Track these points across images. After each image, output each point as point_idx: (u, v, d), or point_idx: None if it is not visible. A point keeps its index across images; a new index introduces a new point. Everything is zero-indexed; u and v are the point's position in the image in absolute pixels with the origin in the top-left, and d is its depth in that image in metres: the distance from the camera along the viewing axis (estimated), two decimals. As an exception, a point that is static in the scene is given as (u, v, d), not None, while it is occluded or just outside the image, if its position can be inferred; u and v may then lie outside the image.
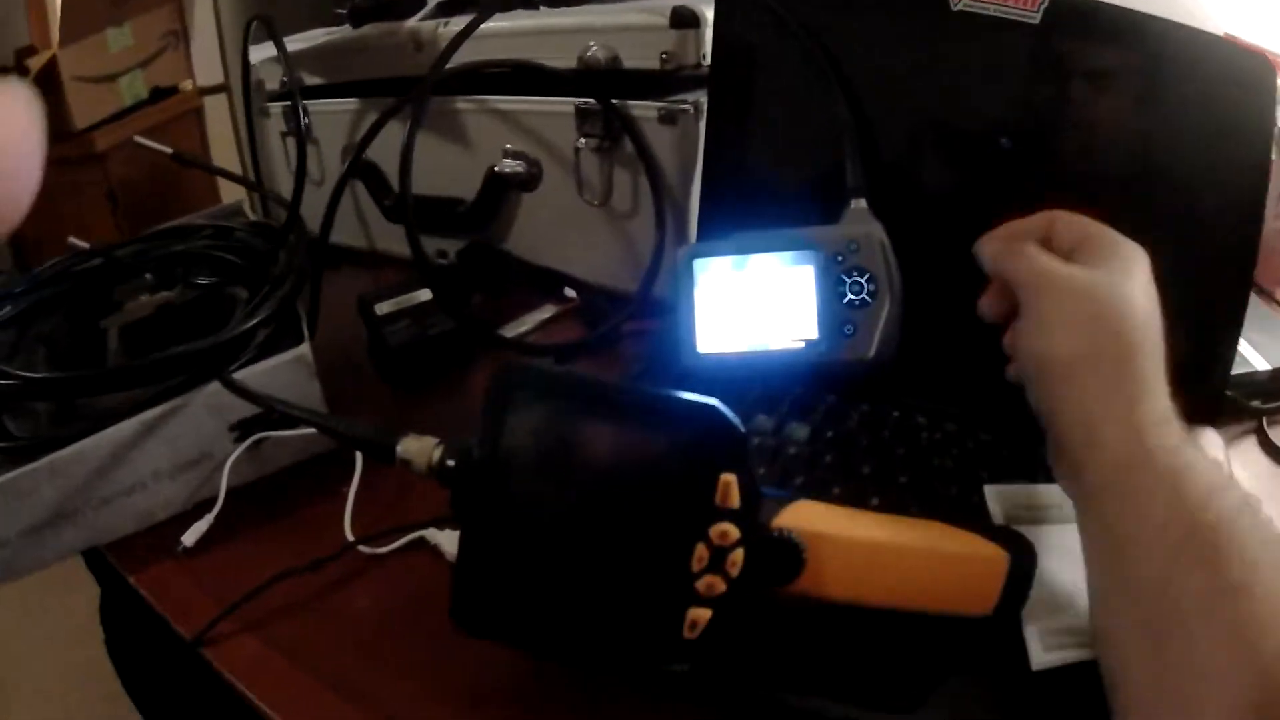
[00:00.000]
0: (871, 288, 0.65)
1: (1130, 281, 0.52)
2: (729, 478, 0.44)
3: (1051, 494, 0.61)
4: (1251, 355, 0.77)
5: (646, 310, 0.87)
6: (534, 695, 0.56)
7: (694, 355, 0.70)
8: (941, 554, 0.51)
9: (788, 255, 0.68)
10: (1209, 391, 0.70)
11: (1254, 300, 0.83)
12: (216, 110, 2.14)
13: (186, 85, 2.28)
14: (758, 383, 0.72)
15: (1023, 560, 0.51)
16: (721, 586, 0.45)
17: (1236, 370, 0.72)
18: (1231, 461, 0.66)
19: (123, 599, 0.83)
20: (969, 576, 0.51)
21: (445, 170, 0.97)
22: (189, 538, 0.67)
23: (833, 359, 0.66)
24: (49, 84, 1.95)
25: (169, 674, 0.84)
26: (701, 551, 0.45)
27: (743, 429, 0.45)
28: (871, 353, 0.65)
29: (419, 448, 0.50)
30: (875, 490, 0.63)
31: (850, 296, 0.66)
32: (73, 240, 0.85)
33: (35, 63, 1.98)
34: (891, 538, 0.50)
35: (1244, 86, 0.64)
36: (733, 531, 0.45)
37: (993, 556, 0.51)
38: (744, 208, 0.78)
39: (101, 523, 0.68)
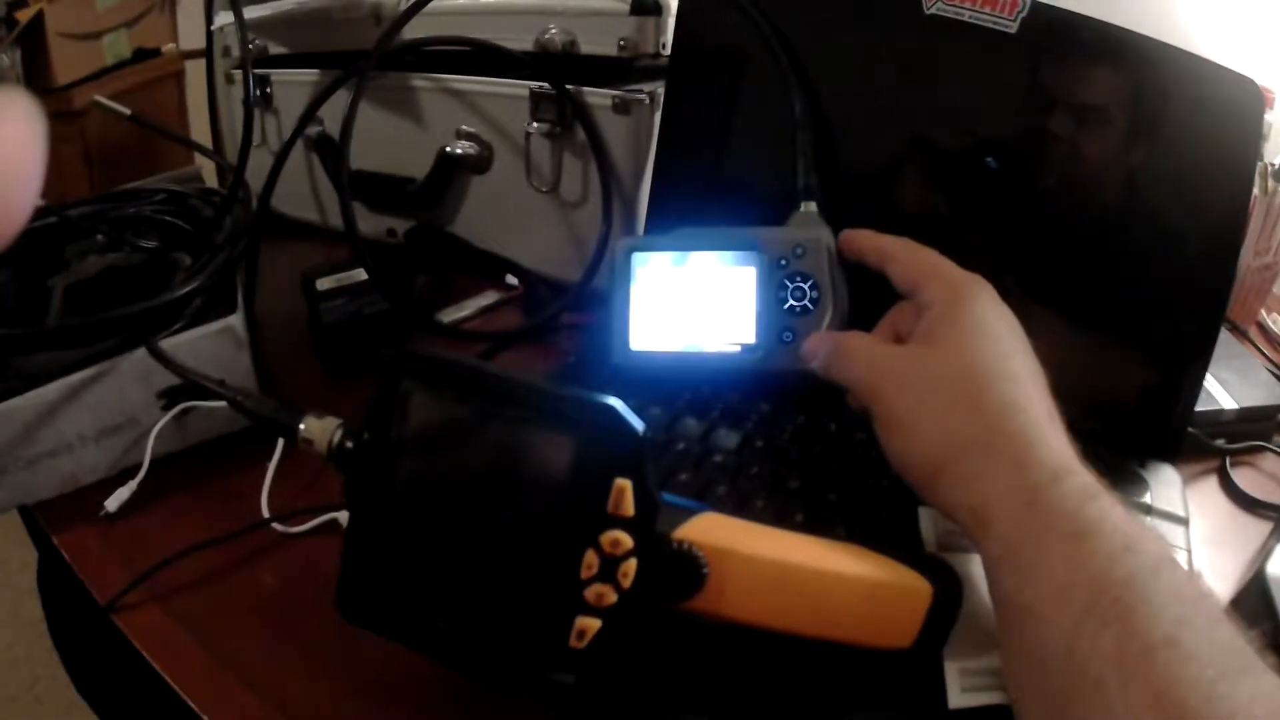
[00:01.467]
0: (814, 295, 0.63)
1: (980, 337, 0.50)
2: (623, 483, 0.42)
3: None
4: (1219, 393, 0.76)
5: (587, 302, 0.85)
6: (432, 688, 0.54)
7: (626, 352, 0.67)
8: (859, 581, 0.48)
9: (730, 255, 0.66)
10: (1171, 427, 0.68)
11: (1227, 338, 0.82)
12: (198, 75, 2.12)
13: (169, 48, 2.26)
14: (690, 385, 0.70)
15: (948, 593, 0.48)
16: (612, 597, 0.43)
17: (1202, 407, 0.71)
18: (1189, 501, 0.64)
19: (55, 563, 0.82)
20: (888, 607, 0.48)
21: (398, 148, 0.95)
22: (112, 503, 0.66)
23: (769, 366, 0.64)
24: (35, 38, 1.93)
25: (93, 639, 0.83)
26: (591, 559, 0.42)
27: (642, 432, 0.43)
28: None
29: (320, 428, 0.48)
30: (802, 507, 0.60)
31: (792, 302, 0.64)
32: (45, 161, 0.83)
33: (24, 15, 1.96)
34: (805, 560, 0.47)
35: (1229, 113, 0.62)
36: (625, 540, 0.42)
37: (915, 587, 0.48)
38: (694, 204, 0.76)
39: (27, 483, 0.67)
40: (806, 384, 0.63)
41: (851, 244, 0.62)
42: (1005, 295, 0.63)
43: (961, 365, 0.49)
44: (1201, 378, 0.67)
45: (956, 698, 0.50)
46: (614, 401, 0.43)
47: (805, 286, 0.64)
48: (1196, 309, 0.66)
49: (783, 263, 0.64)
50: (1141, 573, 0.40)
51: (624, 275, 0.68)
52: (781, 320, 0.64)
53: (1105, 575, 0.40)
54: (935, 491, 0.49)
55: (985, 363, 0.49)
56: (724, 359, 0.65)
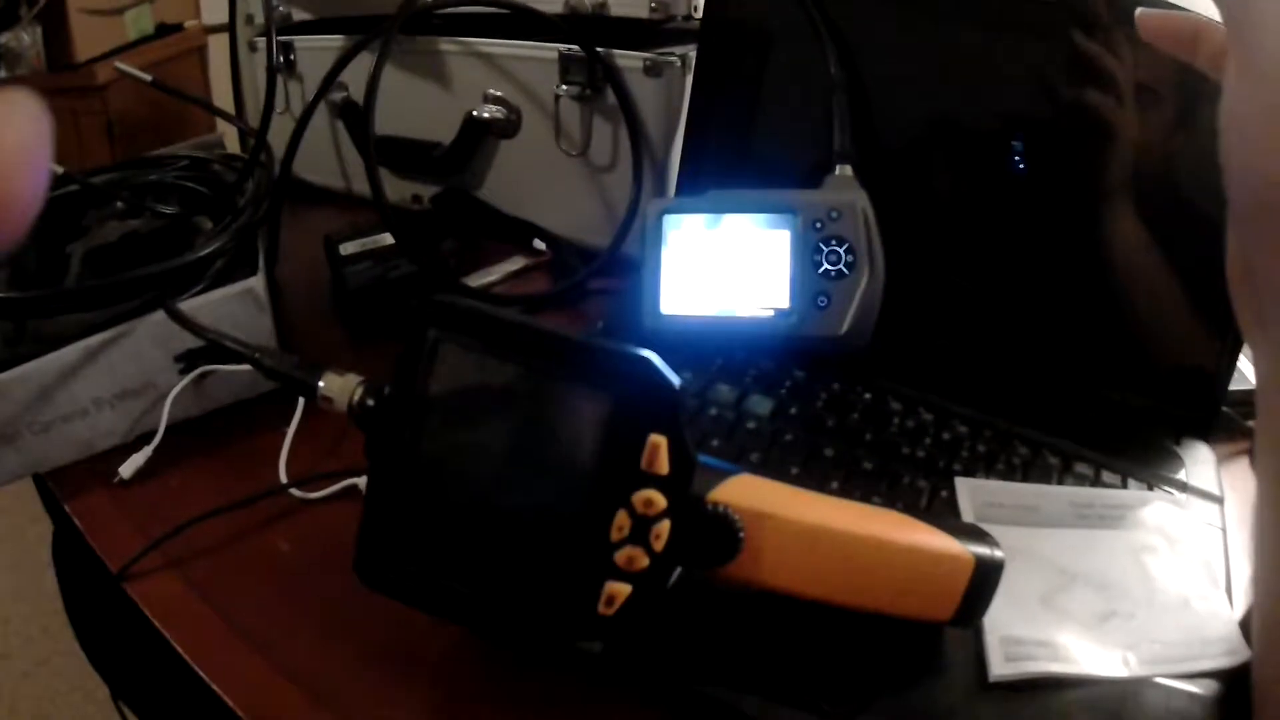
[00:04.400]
0: (850, 259, 0.62)
1: None
2: (658, 439, 0.40)
3: (1027, 494, 0.58)
4: (1253, 373, 0.73)
5: (617, 268, 0.84)
6: (450, 657, 0.53)
7: (657, 316, 0.66)
8: (899, 548, 0.45)
9: (763, 218, 0.64)
10: (1205, 406, 0.66)
11: None
12: (221, 49, 2.13)
13: (192, 23, 2.26)
14: (722, 350, 0.68)
15: (989, 563, 0.46)
16: (644, 561, 0.41)
17: (1236, 387, 0.69)
18: (1222, 480, 0.62)
19: (69, 533, 0.82)
20: (928, 576, 0.46)
21: (424, 113, 0.94)
22: (126, 469, 0.65)
23: (802, 332, 0.63)
24: (56, 14, 1.93)
25: (104, 607, 0.82)
26: (623, 520, 0.40)
27: (677, 386, 0.41)
28: (844, 328, 0.62)
29: (341, 385, 0.46)
30: (836, 474, 0.59)
31: (826, 266, 0.62)
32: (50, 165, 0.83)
33: (46, -8, 1.96)
34: (844, 525, 0.45)
35: None
36: (659, 500, 0.40)
37: (957, 556, 0.46)
38: (726, 168, 0.74)
39: (42, 449, 0.65)
40: (840, 350, 0.61)
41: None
42: (1041, 276, 0.62)
43: None
44: (1236, 355, 0.65)
45: (1000, 667, 0.48)
46: (649, 354, 0.41)
47: (840, 250, 0.62)
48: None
49: (818, 226, 0.63)
50: None
51: (655, 238, 0.67)
52: (816, 284, 0.62)
53: None
54: None
55: None
56: (757, 324, 0.64)
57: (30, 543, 1.97)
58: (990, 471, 0.60)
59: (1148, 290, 0.66)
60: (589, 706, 0.50)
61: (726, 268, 0.65)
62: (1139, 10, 0.49)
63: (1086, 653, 0.49)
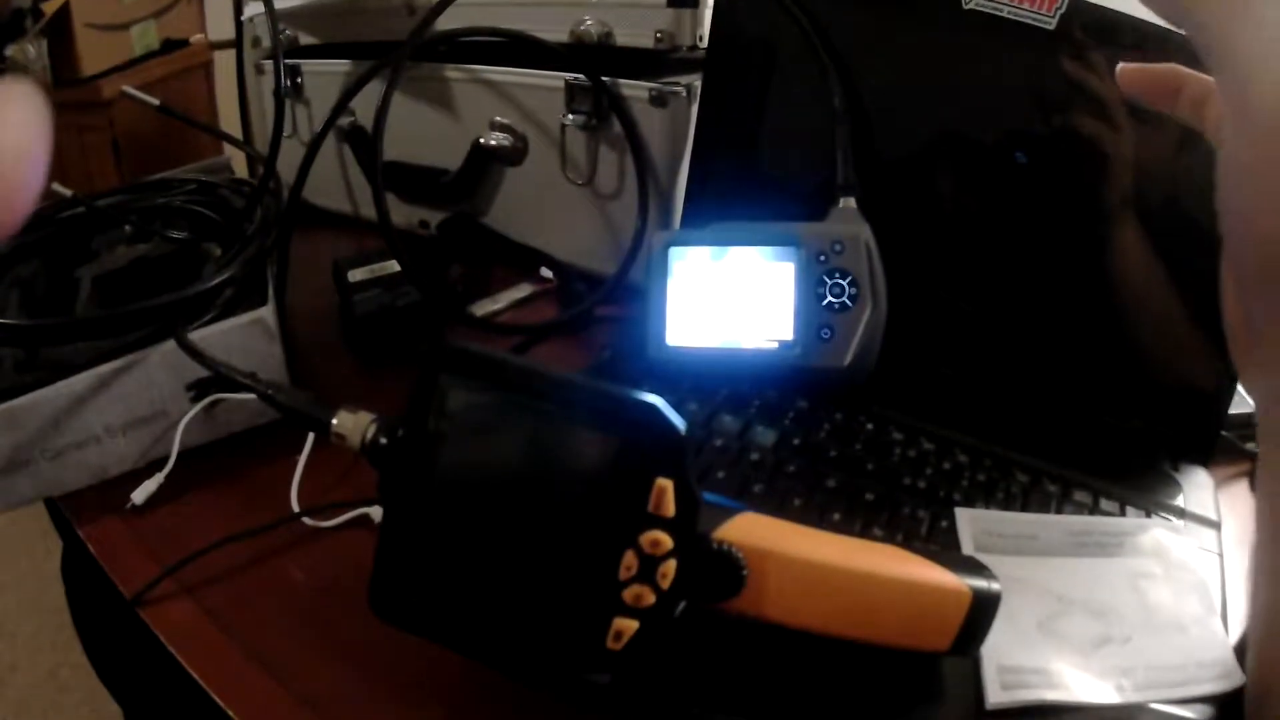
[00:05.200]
0: (853, 291, 0.63)
1: None
2: (664, 483, 0.41)
3: (1026, 523, 0.59)
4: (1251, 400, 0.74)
5: (622, 296, 0.84)
6: (463, 687, 0.54)
7: (662, 347, 0.67)
8: (897, 583, 0.47)
9: (769, 250, 0.65)
10: (1204, 429, 0.67)
11: None
12: (227, 65, 2.13)
13: (198, 38, 2.26)
14: (727, 381, 0.69)
15: (986, 596, 0.47)
16: (650, 598, 0.42)
17: (1235, 410, 0.70)
18: (1220, 504, 0.63)
19: (80, 554, 0.82)
20: (925, 610, 0.47)
21: (431, 139, 0.94)
22: (139, 495, 0.66)
23: (806, 363, 0.64)
24: (61, 29, 1.93)
25: (118, 631, 0.83)
26: (630, 560, 0.42)
27: (684, 431, 0.42)
28: (847, 360, 0.63)
29: (354, 423, 0.47)
30: (838, 505, 0.59)
31: (830, 299, 0.63)
32: (56, 186, 0.84)
33: (49, 6, 1.96)
34: (844, 561, 0.46)
35: None
36: (665, 541, 0.42)
37: (954, 589, 0.47)
38: (731, 198, 0.75)
39: (54, 474, 0.66)
40: (843, 381, 0.62)
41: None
42: (1042, 299, 0.62)
43: None
44: (1235, 381, 0.66)
45: (996, 695, 0.49)
46: (656, 400, 0.42)
47: (844, 283, 0.63)
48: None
49: (821, 258, 0.64)
50: None
51: (660, 269, 0.68)
52: (819, 316, 0.63)
53: None
54: None
55: None
56: (761, 355, 0.65)
57: (38, 558, 1.98)
58: (990, 500, 0.61)
59: (1148, 313, 0.67)
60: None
61: (731, 299, 0.66)
62: (1120, 65, 0.50)
63: (1082, 680, 0.50)
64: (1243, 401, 0.71)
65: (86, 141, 1.96)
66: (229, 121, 1.01)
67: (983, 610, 0.47)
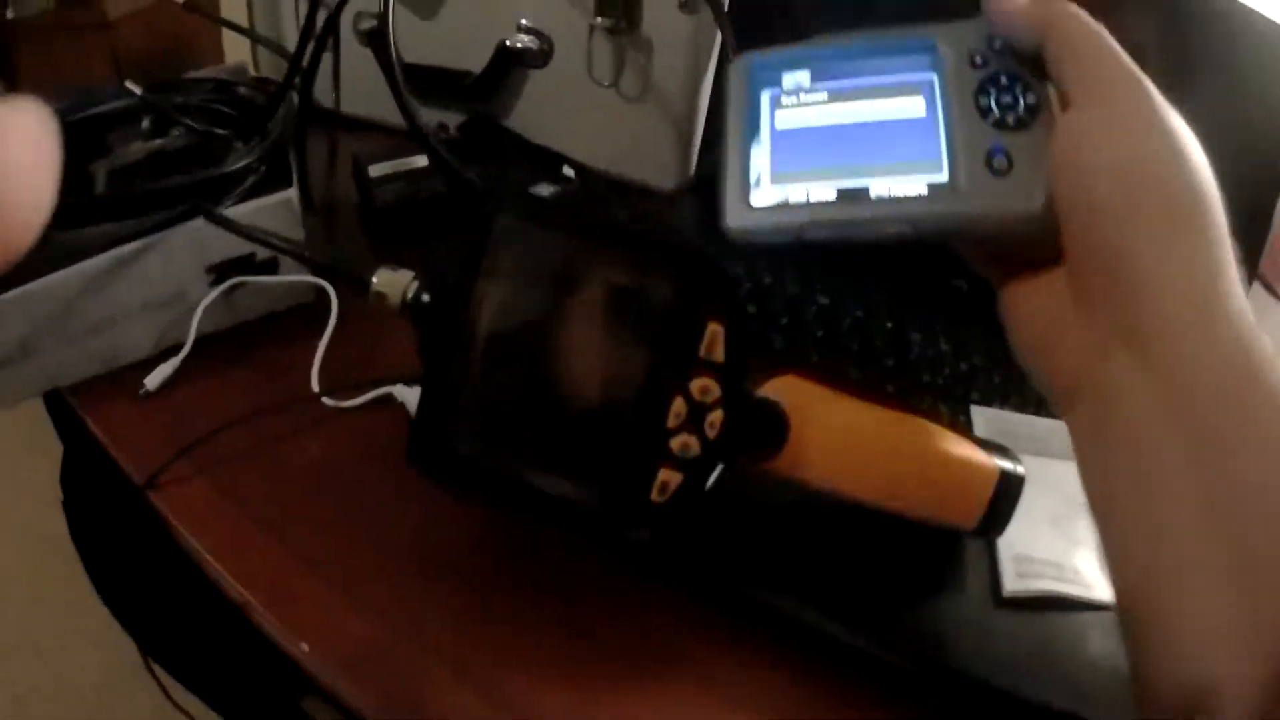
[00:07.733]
0: (1030, 100, 0.42)
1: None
2: (716, 327, 0.41)
3: (1038, 426, 0.60)
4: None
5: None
6: (480, 558, 0.54)
7: (743, 213, 0.45)
8: (932, 451, 0.47)
9: (895, 61, 0.46)
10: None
11: (1258, 292, 0.81)
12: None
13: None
14: (848, 253, 0.47)
15: (1012, 476, 0.48)
16: (696, 448, 0.42)
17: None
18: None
19: (82, 455, 0.80)
20: (956, 483, 0.48)
21: (454, 41, 0.93)
22: (152, 380, 0.65)
23: (975, 210, 0.42)
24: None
25: (118, 530, 0.82)
26: (680, 406, 0.41)
27: (732, 276, 0.42)
28: (1039, 198, 0.40)
29: (395, 281, 0.46)
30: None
31: (997, 114, 0.42)
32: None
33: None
34: (882, 426, 0.47)
35: (1268, 61, 0.60)
36: (714, 387, 0.42)
37: (984, 465, 0.48)
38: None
39: (65, 362, 0.65)
40: (1037, 230, 0.41)
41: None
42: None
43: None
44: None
45: (1013, 583, 0.51)
46: (708, 247, 0.42)
47: (1016, 91, 0.43)
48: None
49: (978, 62, 0.44)
50: None
51: (744, 104, 0.48)
52: (988, 139, 0.42)
53: None
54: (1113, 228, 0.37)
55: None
56: (899, 208, 0.43)
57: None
58: (1005, 403, 0.62)
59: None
60: (603, 599, 0.52)
61: (847, 137, 0.46)
62: None
63: (1095, 578, 0.50)
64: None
65: (90, 66, 1.94)
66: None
67: (1008, 490, 0.48)
